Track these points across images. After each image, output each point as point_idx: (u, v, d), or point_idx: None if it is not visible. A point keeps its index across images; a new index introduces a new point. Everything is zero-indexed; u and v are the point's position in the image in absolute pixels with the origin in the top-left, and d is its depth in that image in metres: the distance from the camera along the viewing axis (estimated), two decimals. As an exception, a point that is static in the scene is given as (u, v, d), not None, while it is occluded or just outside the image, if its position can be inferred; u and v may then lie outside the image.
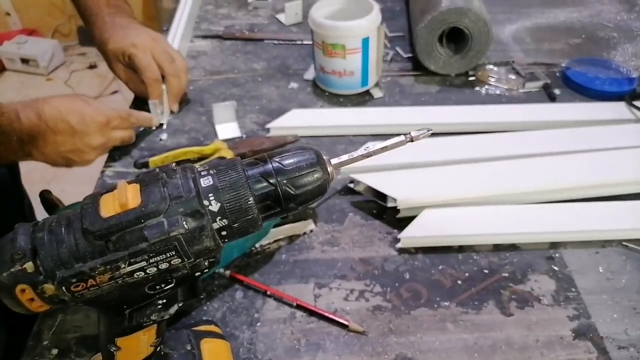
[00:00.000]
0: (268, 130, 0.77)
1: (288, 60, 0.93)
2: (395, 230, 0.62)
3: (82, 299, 0.32)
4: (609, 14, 1.05)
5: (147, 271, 0.32)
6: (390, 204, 0.63)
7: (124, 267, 0.31)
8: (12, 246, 0.31)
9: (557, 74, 0.88)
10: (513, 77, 0.86)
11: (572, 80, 0.84)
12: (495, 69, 0.88)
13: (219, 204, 0.32)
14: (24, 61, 2.41)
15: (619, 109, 0.78)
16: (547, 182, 0.64)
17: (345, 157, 0.37)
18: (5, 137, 0.59)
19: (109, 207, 0.31)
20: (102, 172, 0.71)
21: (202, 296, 0.56)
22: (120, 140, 0.70)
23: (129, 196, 0.31)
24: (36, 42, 2.46)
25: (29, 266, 0.31)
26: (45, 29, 2.58)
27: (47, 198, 0.64)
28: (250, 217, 0.33)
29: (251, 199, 0.33)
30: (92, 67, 2.50)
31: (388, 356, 0.51)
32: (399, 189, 0.62)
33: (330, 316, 0.53)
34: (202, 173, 0.33)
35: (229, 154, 0.70)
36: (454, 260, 0.59)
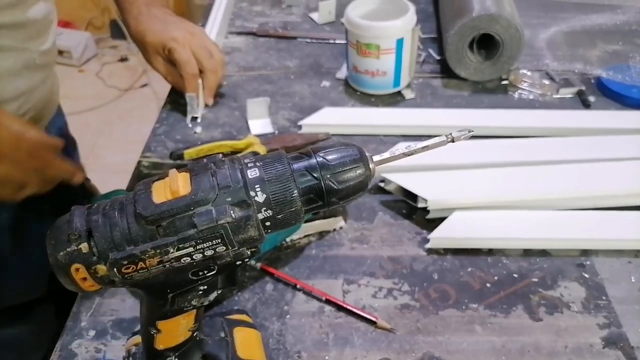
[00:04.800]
0: (300, 127, 0.78)
1: (320, 59, 0.93)
2: (425, 231, 0.63)
3: (130, 280, 0.34)
4: (648, 21, 1.03)
5: (193, 257, 0.33)
6: (420, 205, 0.63)
7: (172, 252, 0.32)
8: (69, 227, 0.32)
9: (592, 81, 0.87)
10: (547, 82, 0.86)
11: (608, 88, 0.83)
12: (529, 73, 0.87)
13: (264, 195, 0.33)
14: (58, 52, 2.47)
15: (656, 118, 0.77)
16: (579, 189, 0.64)
17: (386, 155, 0.37)
18: None
19: (160, 194, 0.32)
20: (139, 162, 0.73)
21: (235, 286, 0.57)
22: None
23: (180, 184, 0.32)
24: (70, 34, 2.52)
25: (84, 247, 0.32)
26: (79, 21, 2.65)
27: (85, 185, 0.67)
28: (293, 209, 0.34)
29: (295, 191, 0.33)
30: (123, 59, 2.55)
31: (415, 354, 0.51)
32: (430, 190, 0.63)
33: (359, 312, 0.54)
34: (249, 165, 0.34)
35: (261, 149, 0.71)
36: (483, 263, 0.59)
